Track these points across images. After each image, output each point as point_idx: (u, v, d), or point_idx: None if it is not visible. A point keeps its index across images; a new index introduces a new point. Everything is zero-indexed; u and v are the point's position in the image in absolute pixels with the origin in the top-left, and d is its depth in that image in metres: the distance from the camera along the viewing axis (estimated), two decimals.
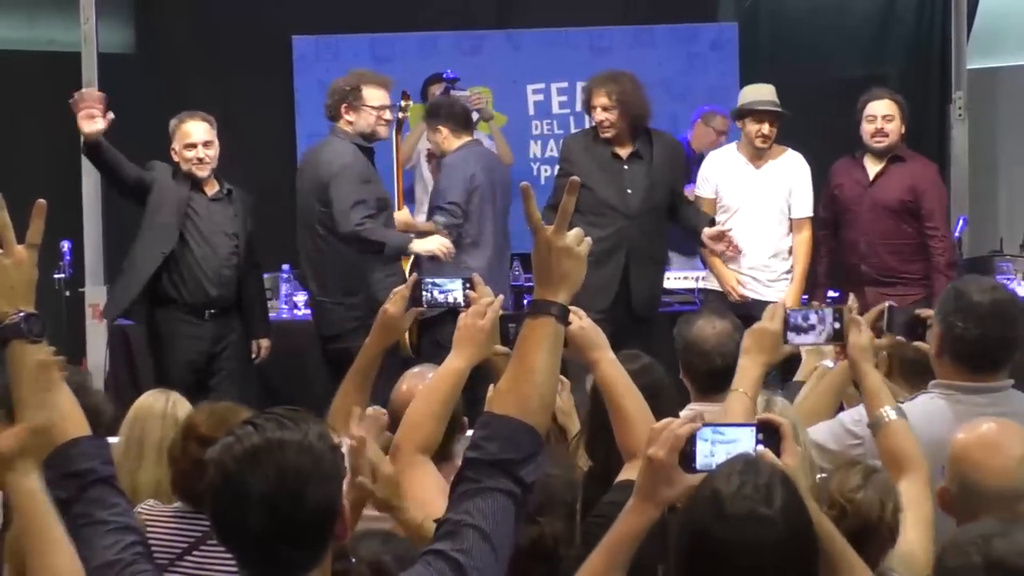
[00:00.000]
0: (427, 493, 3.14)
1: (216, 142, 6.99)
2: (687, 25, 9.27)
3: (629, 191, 7.15)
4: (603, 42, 9.11)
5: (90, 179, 8.26)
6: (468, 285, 3.85)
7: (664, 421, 2.65)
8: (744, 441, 2.63)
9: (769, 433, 2.65)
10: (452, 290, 3.90)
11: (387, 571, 2.83)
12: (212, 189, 7.05)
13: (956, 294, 3.81)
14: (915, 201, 7.38)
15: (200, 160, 6.94)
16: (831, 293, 7.47)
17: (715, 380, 4.18)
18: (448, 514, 2.52)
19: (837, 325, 3.56)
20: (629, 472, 3.37)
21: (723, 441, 2.63)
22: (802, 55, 9.21)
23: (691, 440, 2.62)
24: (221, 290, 6.98)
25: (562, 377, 5.22)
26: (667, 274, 7.95)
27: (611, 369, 3.45)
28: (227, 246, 7.02)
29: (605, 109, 7.12)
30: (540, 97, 9.14)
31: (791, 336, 3.57)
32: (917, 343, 4.01)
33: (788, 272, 7.37)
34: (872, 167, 7.45)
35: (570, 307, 2.98)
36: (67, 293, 7.79)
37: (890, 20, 9.40)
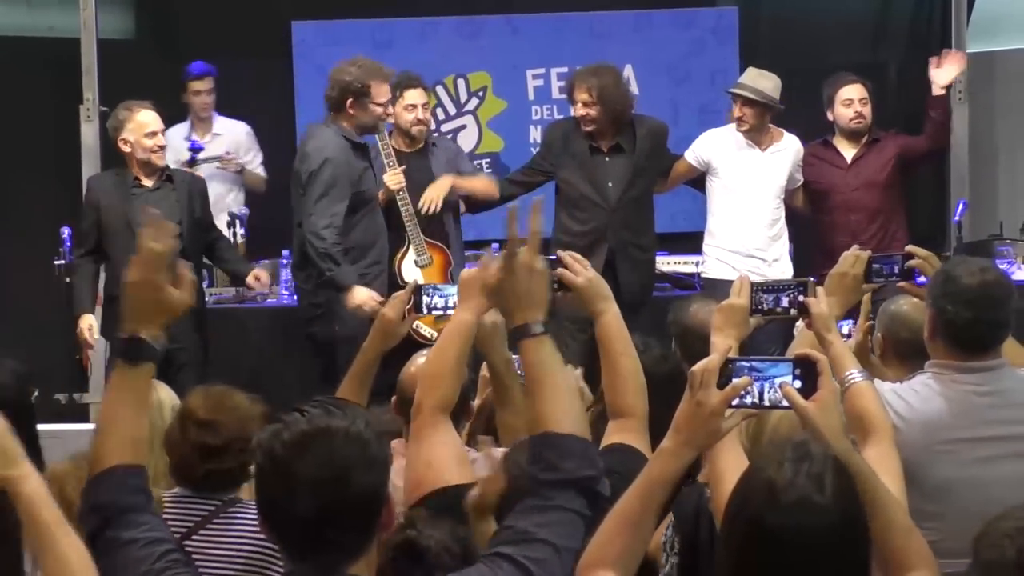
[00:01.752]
0: (439, 456, 3.10)
1: None
2: (687, 10, 9.25)
3: (610, 184, 7.23)
4: (603, 27, 9.10)
5: (90, 165, 8.25)
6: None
7: (700, 364, 2.62)
8: (780, 376, 2.62)
9: (806, 368, 2.64)
10: (452, 295, 3.83)
11: (452, 551, 2.86)
12: (152, 179, 7.09)
13: (945, 278, 3.83)
14: (902, 156, 7.61)
15: (161, 147, 7.02)
16: None
17: None
18: (515, 523, 2.53)
19: (802, 298, 3.61)
20: (615, 433, 3.37)
21: (760, 377, 2.62)
22: (803, 40, 9.19)
23: (727, 376, 2.60)
24: None
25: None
26: (664, 258, 7.97)
27: (614, 322, 3.44)
28: None
29: (586, 104, 7.21)
30: (540, 82, 9.13)
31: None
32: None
33: (783, 251, 7.50)
34: (847, 150, 7.65)
35: (574, 260, 3.04)
36: (67, 279, 7.79)
37: (890, 4, 9.38)
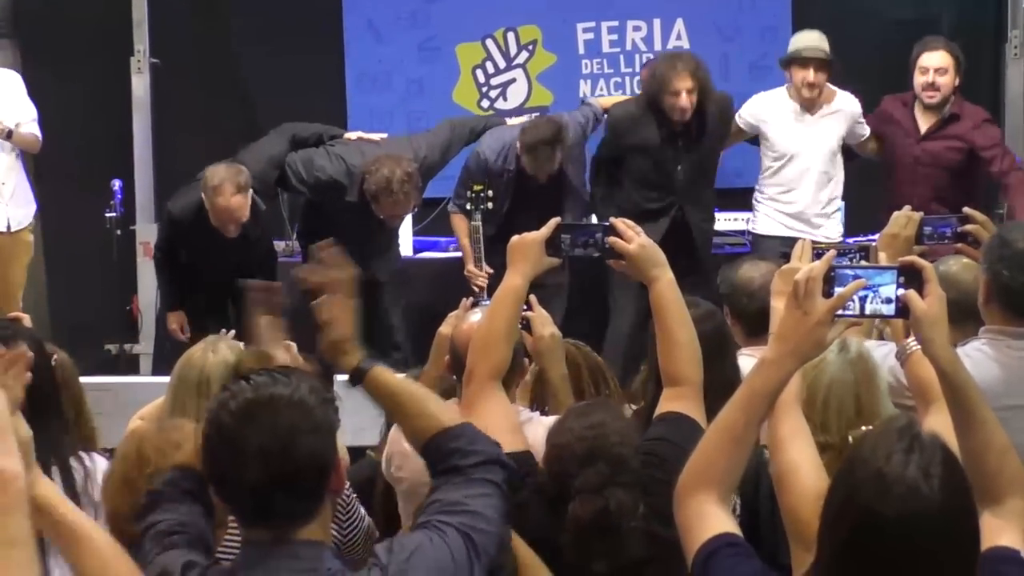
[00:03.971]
0: (492, 424, 3.10)
1: (248, 198, 6.86)
2: None
3: (679, 167, 7.20)
4: None
5: (140, 117, 8.30)
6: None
7: (804, 271, 2.52)
8: (885, 284, 2.54)
9: (911, 275, 2.54)
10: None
11: None
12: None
13: (1001, 242, 3.80)
14: (970, 156, 7.28)
15: (226, 226, 6.90)
16: None
17: (765, 320, 4.15)
18: (445, 495, 2.64)
19: (863, 264, 3.55)
20: (669, 401, 3.34)
21: (865, 286, 2.53)
22: None
23: (829, 284, 2.51)
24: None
25: None
26: (716, 215, 7.94)
27: (668, 289, 3.38)
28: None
29: (690, 93, 7.04)
30: (590, 36, 9.07)
31: None
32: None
33: (835, 211, 7.44)
34: (924, 120, 7.35)
35: (627, 227, 3.32)
36: (118, 232, 7.85)
37: None
